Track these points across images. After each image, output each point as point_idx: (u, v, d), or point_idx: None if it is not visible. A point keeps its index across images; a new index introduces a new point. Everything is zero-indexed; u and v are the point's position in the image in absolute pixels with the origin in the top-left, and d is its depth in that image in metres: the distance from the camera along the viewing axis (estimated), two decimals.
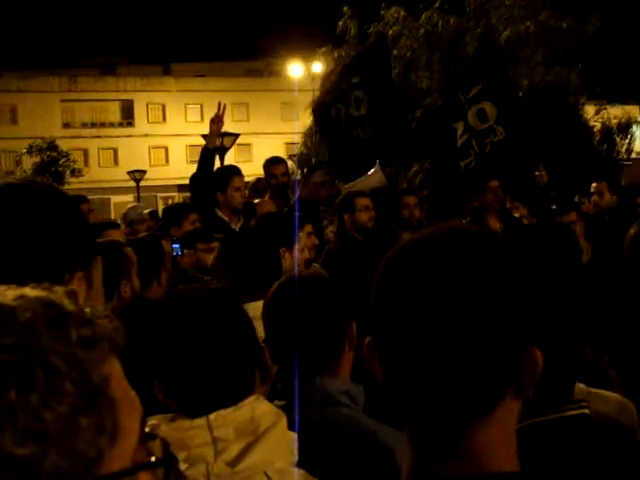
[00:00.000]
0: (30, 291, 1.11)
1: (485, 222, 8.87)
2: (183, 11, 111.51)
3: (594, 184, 9.76)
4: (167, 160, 65.70)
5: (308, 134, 34.83)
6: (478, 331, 1.38)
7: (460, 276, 1.39)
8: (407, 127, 11.80)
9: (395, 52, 28.76)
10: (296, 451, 2.27)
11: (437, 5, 30.53)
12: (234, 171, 8.16)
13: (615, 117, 36.31)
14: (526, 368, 1.43)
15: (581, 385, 2.64)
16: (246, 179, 8.62)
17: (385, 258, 1.49)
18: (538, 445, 2.05)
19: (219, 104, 8.42)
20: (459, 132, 10.16)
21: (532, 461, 1.49)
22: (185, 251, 6.86)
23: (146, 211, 10.60)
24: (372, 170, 9.25)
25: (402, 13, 31.01)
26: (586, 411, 2.31)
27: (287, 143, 58.36)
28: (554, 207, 9.58)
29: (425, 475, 1.42)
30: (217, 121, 8.41)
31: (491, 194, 9.75)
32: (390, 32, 30.09)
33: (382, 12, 31.34)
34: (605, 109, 34.53)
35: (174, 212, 8.00)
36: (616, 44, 32.30)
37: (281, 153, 49.91)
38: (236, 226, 7.67)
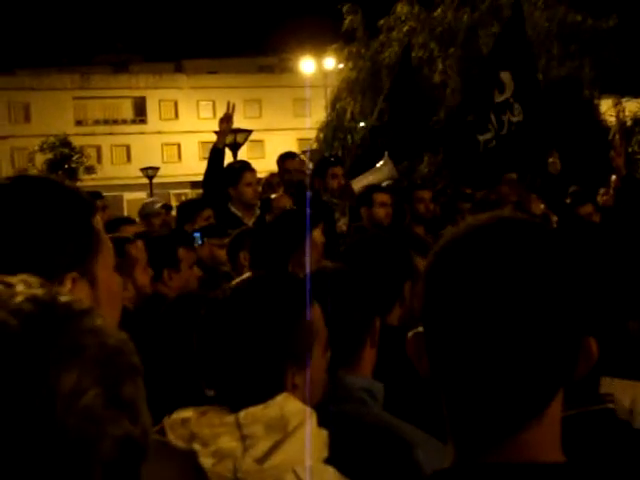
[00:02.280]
0: None
1: None
2: (195, 8, 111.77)
3: (614, 177, 9.69)
4: (180, 157, 65.92)
5: (320, 129, 34.84)
6: (538, 325, 1.34)
7: (517, 268, 1.35)
8: (424, 122, 11.82)
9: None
10: (327, 448, 2.25)
11: (450, 1, 30.49)
12: (245, 167, 8.20)
13: (630, 111, 36.23)
14: (582, 360, 1.41)
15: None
16: (259, 175, 8.66)
17: (434, 251, 1.45)
18: (568, 438, 2.02)
19: (228, 103, 8.48)
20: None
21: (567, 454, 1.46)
22: (206, 240, 6.82)
23: (158, 205, 10.62)
24: (381, 162, 9.28)
25: (416, 8, 30.97)
26: (610, 405, 2.28)
27: (299, 139, 58.44)
28: (568, 200, 9.54)
29: (475, 463, 1.40)
30: (226, 120, 8.47)
31: (508, 187, 9.72)
32: (405, 28, 30.12)
33: (396, 7, 31.28)
34: (620, 103, 34.41)
35: (188, 208, 8.00)
36: (631, 39, 32.21)
37: (293, 149, 49.87)
38: (250, 221, 7.68)
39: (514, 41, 10.16)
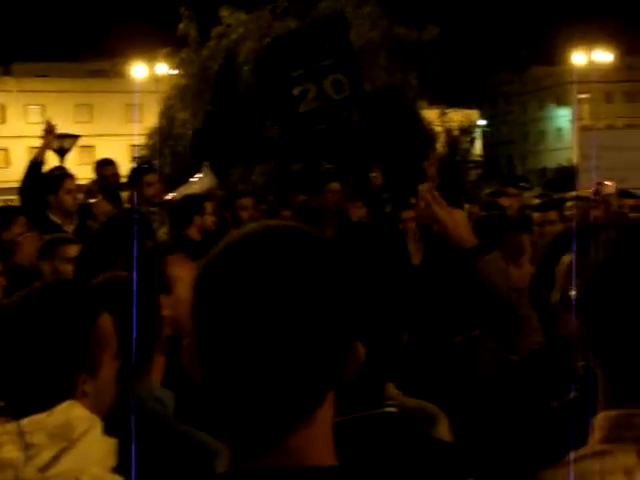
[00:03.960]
0: None
1: (323, 223, 8.93)
2: (25, 10, 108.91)
3: (424, 185, 9.86)
4: (7, 162, 64.09)
5: (150, 136, 34.49)
6: (301, 331, 1.37)
7: (281, 276, 1.38)
8: (251, 131, 11.87)
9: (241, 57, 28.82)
10: (114, 456, 2.24)
11: (271, 7, 30.60)
12: (65, 174, 8.22)
13: (456, 122, 37.24)
14: (349, 364, 1.44)
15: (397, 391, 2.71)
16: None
17: (205, 259, 1.46)
18: (345, 441, 2.07)
19: (47, 122, 8.58)
20: (311, 95, 10.14)
21: (342, 456, 1.50)
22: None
23: None
24: (201, 172, 9.34)
25: (243, 17, 30.99)
26: (391, 409, 2.35)
27: (132, 145, 57.71)
28: (388, 209, 9.71)
29: (242, 469, 1.41)
30: (48, 135, 8.59)
31: (331, 195, 9.86)
32: (234, 36, 30.09)
33: (221, 14, 31.20)
34: (445, 114, 35.35)
35: (3, 215, 7.81)
36: (454, 52, 33.23)
37: (126, 155, 49.31)
38: (70, 228, 7.61)
39: (339, 48, 10.30)
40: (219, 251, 1.46)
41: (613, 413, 1.66)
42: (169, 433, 2.70)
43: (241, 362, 1.38)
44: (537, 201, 11.33)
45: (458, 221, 3.53)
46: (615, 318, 1.64)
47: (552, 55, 75.06)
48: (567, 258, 2.87)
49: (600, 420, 1.68)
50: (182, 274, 3.43)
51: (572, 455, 1.67)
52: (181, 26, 32.41)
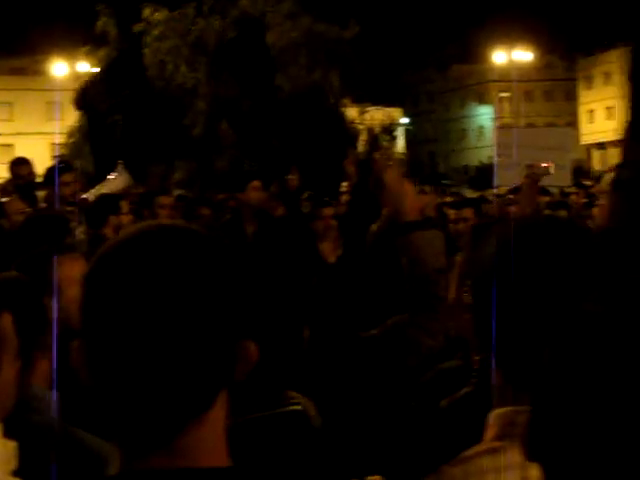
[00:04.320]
0: None
1: (244, 221, 8.92)
2: None
3: (344, 184, 9.91)
4: None
5: (71, 135, 34.14)
6: (189, 330, 1.36)
7: (166, 274, 1.37)
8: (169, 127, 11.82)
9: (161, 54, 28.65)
10: (15, 460, 2.21)
11: (196, 5, 30.50)
12: None
13: (378, 120, 37.53)
14: (240, 364, 1.44)
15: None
16: None
17: (94, 257, 1.45)
18: (249, 441, 2.07)
19: None
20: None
21: (242, 457, 1.49)
22: None
23: None
24: (115, 172, 9.28)
25: (165, 14, 30.81)
26: (296, 407, 2.35)
27: (53, 143, 57.08)
28: (307, 209, 9.73)
29: (132, 471, 1.40)
30: None
31: (253, 193, 9.83)
32: (155, 32, 29.92)
33: (143, 12, 30.98)
34: (366, 112, 35.54)
35: None
36: (376, 50, 33.43)
37: (47, 154, 48.74)
38: None
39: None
40: (106, 249, 1.45)
41: (504, 410, 1.69)
42: (56, 435, 2.66)
43: (126, 362, 1.37)
44: (450, 199, 11.47)
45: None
46: (503, 315, 1.67)
47: (474, 53, 75.88)
48: (459, 257, 2.89)
49: (493, 417, 1.71)
50: (72, 274, 3.38)
51: (468, 452, 1.69)
52: (99, 23, 32.11)
